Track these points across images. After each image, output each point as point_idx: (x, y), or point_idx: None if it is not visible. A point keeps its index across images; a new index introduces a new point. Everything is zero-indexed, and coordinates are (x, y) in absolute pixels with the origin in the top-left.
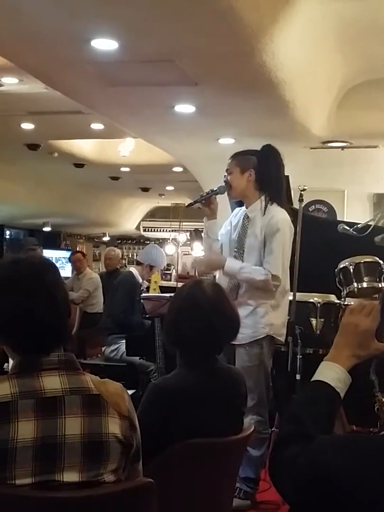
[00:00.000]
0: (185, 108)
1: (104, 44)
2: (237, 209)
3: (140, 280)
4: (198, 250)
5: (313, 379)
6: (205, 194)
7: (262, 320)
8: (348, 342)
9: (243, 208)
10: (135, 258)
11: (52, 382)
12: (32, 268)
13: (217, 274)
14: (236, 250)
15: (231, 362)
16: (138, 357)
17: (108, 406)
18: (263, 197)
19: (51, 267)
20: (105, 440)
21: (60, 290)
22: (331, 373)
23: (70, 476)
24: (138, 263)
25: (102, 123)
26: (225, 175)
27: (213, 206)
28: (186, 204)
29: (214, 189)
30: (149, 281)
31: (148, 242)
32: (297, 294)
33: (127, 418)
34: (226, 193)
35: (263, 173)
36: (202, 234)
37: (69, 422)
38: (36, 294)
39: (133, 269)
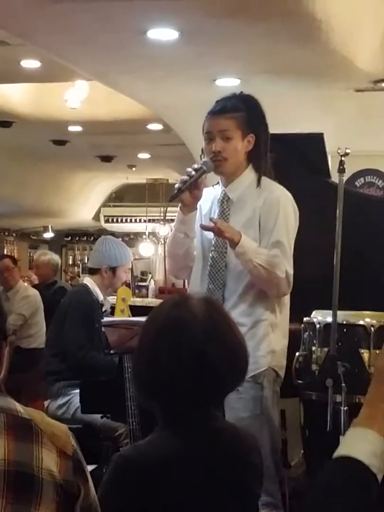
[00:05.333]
0: (163, 34)
1: None
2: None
3: (100, 297)
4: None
5: (337, 453)
6: (191, 176)
7: (262, 346)
8: None
9: (212, 189)
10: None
11: None
12: None
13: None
14: (214, 249)
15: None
16: (99, 415)
17: (43, 435)
18: (250, 167)
19: None
20: (36, 474)
21: None
22: (364, 444)
23: None
24: (92, 271)
25: (39, 59)
26: (208, 142)
27: (198, 192)
28: (169, 197)
29: (200, 166)
30: (115, 292)
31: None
32: (339, 312)
33: (70, 459)
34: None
35: (261, 135)
36: (174, 235)
37: None
38: None
39: (88, 281)
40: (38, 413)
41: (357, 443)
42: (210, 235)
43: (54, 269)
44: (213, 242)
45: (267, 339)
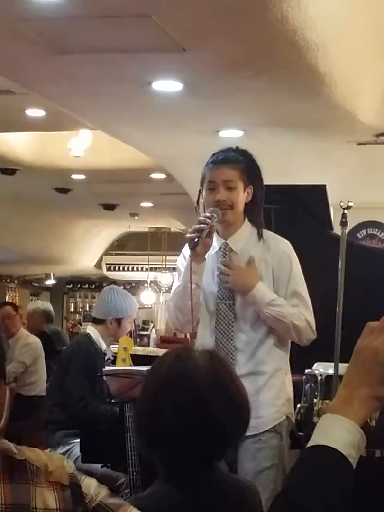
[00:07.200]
0: (168, 86)
1: None
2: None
3: (103, 347)
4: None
5: (315, 441)
6: (207, 224)
7: (281, 395)
8: (364, 376)
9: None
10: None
11: None
12: None
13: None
14: (220, 300)
15: (233, 467)
16: (100, 465)
17: (39, 473)
18: (247, 220)
19: None
20: None
21: None
22: (341, 432)
23: None
24: (97, 321)
25: (43, 109)
26: (210, 192)
27: (210, 240)
28: (190, 245)
29: (211, 214)
30: (116, 341)
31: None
32: (341, 364)
33: (67, 488)
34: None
35: (258, 188)
36: (185, 286)
37: None
38: None
39: (91, 330)
40: (32, 451)
41: (335, 432)
42: (212, 287)
43: (42, 316)
44: (218, 294)
45: (285, 388)
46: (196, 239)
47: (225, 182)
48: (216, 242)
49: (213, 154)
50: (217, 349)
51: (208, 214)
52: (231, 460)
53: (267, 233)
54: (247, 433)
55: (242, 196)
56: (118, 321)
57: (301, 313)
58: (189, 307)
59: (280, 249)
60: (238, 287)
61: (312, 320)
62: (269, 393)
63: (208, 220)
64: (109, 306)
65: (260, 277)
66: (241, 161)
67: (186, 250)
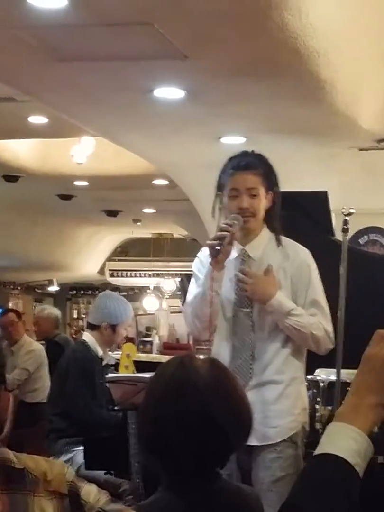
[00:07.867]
0: (170, 93)
1: (48, 0)
2: (205, 252)
3: (100, 353)
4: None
5: (322, 449)
6: (229, 231)
7: (298, 404)
8: (373, 384)
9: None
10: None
11: None
12: None
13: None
14: (238, 308)
15: (246, 476)
16: (103, 472)
17: (37, 483)
18: (265, 227)
19: None
20: None
21: None
22: (348, 441)
23: None
24: (92, 327)
25: (46, 116)
26: (234, 199)
27: (231, 247)
28: (211, 253)
29: (233, 221)
30: (119, 347)
31: (116, 292)
32: (343, 371)
33: (66, 497)
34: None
35: (277, 193)
36: (204, 293)
37: None
38: None
39: (87, 337)
40: (31, 459)
41: (341, 441)
42: (230, 294)
43: (54, 322)
44: (236, 301)
45: (301, 397)
46: (218, 247)
47: (249, 189)
48: (234, 249)
49: (231, 159)
50: (234, 357)
51: (229, 222)
52: (246, 468)
53: (285, 239)
54: (263, 443)
55: (263, 202)
56: (113, 327)
57: (319, 323)
58: (208, 315)
59: (300, 258)
60: (256, 296)
61: (330, 329)
62: (286, 403)
63: (230, 228)
64: (104, 312)
65: (278, 286)
66: (261, 167)
67: (202, 255)
